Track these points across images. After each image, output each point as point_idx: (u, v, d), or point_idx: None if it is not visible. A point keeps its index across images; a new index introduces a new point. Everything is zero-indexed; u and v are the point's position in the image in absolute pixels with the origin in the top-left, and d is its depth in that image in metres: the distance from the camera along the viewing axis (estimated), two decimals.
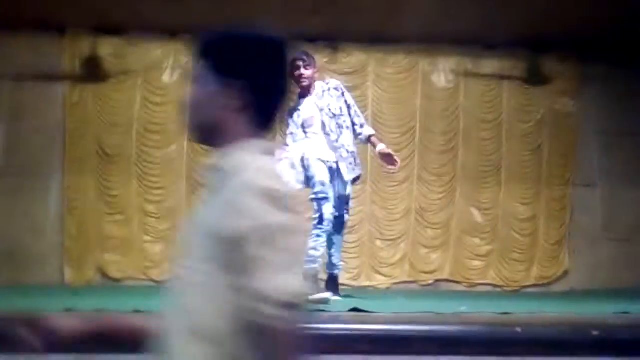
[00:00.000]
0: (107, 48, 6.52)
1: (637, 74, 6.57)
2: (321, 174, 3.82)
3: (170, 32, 6.56)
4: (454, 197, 6.73)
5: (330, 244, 4.02)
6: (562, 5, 5.68)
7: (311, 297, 3.69)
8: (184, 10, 6.02)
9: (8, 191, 6.27)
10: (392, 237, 6.66)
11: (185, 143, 6.58)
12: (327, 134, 3.93)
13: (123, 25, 6.44)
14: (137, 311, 2.72)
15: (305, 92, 3.97)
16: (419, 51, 6.74)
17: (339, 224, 4.01)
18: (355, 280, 6.55)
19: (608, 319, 2.64)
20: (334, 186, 3.91)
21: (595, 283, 6.55)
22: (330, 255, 4.09)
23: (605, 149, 6.77)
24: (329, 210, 3.77)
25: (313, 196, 3.82)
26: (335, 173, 3.94)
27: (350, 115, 4.03)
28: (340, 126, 3.95)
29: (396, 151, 6.70)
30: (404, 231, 6.67)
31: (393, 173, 6.67)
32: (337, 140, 3.93)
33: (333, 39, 6.63)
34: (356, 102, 6.61)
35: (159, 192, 6.56)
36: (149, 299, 4.14)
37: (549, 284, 6.67)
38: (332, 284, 4.13)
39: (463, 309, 2.91)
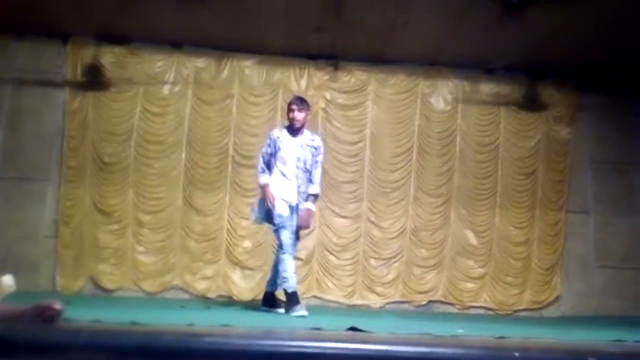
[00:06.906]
0: (110, 57, 6.54)
1: (631, 106, 6.70)
2: (280, 208, 4.50)
3: (173, 44, 6.60)
4: (449, 218, 6.75)
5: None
6: (560, 34, 5.78)
7: (293, 313, 4.17)
8: (188, 24, 6.06)
9: (3, 195, 6.23)
10: (386, 256, 6.67)
11: (184, 154, 6.59)
12: (296, 178, 4.58)
13: (127, 35, 6.47)
14: (134, 323, 2.70)
15: (295, 132, 4.61)
16: (419, 73, 6.82)
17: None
18: (349, 298, 6.55)
19: (604, 346, 2.66)
20: (292, 219, 4.56)
21: (586, 309, 6.60)
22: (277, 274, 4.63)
23: (599, 177, 6.85)
24: (287, 236, 4.48)
25: (274, 227, 4.56)
26: (294, 210, 4.57)
27: (314, 168, 4.68)
28: (309, 180, 4.63)
29: (393, 171, 6.81)
30: (398, 250, 6.68)
31: (389, 192, 6.74)
32: (299, 187, 4.59)
33: (335, 57, 6.70)
34: (355, 120, 6.78)
35: (154, 202, 6.53)
36: (142, 310, 4.13)
37: (540, 308, 6.69)
38: (269, 299, 4.75)
39: (460, 332, 2.91)
